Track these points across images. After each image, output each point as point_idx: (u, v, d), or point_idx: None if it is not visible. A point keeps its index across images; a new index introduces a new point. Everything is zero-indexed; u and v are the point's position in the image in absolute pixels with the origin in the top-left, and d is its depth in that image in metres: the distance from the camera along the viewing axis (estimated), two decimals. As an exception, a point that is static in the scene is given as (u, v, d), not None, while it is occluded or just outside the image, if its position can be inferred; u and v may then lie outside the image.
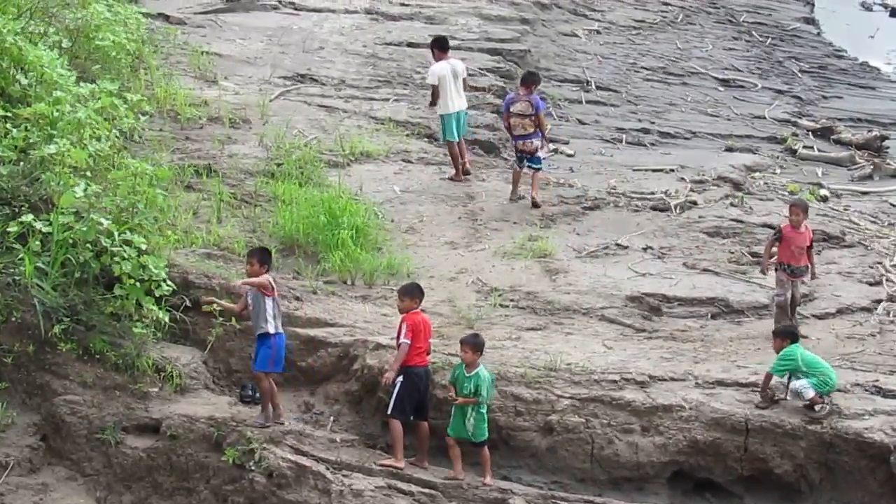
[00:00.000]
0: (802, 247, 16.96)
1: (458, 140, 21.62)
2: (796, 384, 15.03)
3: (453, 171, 21.69)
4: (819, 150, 26.13)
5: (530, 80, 21.27)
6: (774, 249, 17.10)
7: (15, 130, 16.39)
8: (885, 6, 43.21)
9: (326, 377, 16.01)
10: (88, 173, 16.23)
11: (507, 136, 22.32)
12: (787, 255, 16.95)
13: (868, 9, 43.05)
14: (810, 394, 14.97)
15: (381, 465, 14.76)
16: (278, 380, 15.53)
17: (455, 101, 21.71)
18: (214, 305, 15.39)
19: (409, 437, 15.03)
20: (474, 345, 14.87)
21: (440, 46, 21.96)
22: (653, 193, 21.70)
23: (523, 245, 19.03)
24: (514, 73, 27.71)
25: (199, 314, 15.80)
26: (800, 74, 32.25)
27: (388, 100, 24.46)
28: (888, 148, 26.47)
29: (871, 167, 24.84)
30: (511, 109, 20.82)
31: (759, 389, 15.29)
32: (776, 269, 17.04)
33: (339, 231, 18.15)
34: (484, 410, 14.83)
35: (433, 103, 22.04)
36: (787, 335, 15.48)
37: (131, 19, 22.48)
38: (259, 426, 14.79)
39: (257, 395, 15.31)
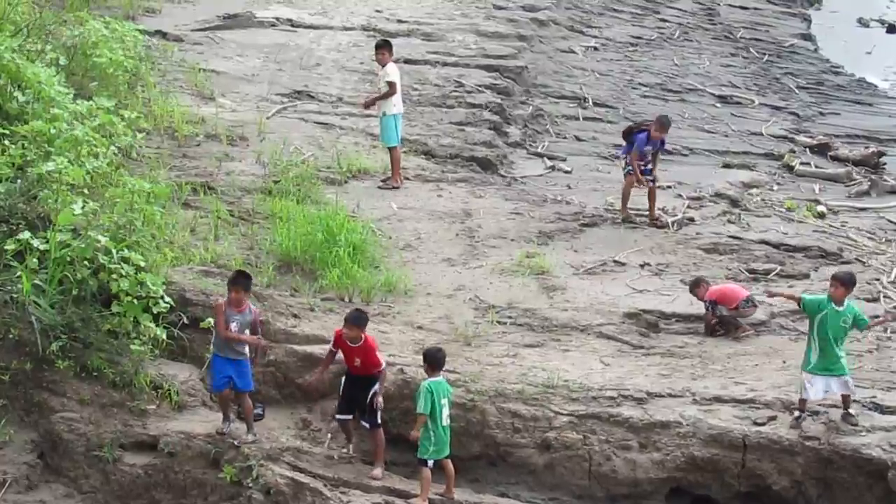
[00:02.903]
0: None
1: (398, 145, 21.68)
2: (852, 382, 14.94)
3: (391, 177, 21.56)
4: (816, 167, 26.17)
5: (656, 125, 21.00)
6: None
7: (12, 148, 16.40)
8: (882, 23, 43.33)
9: (324, 394, 15.98)
10: (86, 191, 16.25)
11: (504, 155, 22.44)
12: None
13: (865, 25, 43.17)
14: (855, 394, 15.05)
15: (372, 477, 14.74)
16: (276, 397, 15.52)
17: (401, 103, 21.81)
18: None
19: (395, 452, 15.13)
20: (425, 357, 14.78)
21: (391, 48, 21.95)
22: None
23: (521, 262, 19.00)
24: (511, 89, 27.76)
25: (196, 331, 15.78)
26: (797, 91, 32.30)
27: (385, 116, 24.48)
28: (885, 164, 26.50)
29: (869, 183, 24.86)
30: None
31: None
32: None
33: (336, 248, 18.15)
34: (431, 427, 14.44)
35: (376, 101, 21.80)
36: (853, 284, 15.21)
37: (128, 36, 22.57)
38: (251, 441, 14.77)
39: (260, 411, 15.28)
